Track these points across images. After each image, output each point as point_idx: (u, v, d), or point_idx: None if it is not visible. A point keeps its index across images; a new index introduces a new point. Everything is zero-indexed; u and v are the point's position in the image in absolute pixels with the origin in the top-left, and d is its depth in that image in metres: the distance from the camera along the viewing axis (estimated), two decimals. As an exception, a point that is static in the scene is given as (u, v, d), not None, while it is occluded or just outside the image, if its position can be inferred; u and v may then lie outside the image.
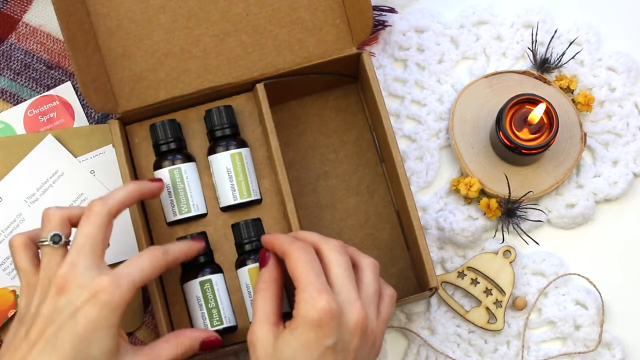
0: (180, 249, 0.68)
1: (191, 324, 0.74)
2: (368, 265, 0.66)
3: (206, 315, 0.72)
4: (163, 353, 0.64)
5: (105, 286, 0.60)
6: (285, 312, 0.69)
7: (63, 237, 0.64)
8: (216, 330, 0.71)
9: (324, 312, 0.60)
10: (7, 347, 0.62)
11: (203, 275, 0.73)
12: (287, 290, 0.71)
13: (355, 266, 0.66)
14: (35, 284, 0.63)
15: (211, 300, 0.72)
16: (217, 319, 0.72)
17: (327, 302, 0.60)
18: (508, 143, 0.77)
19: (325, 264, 0.64)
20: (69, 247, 0.64)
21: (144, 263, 0.63)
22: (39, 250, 0.65)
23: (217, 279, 0.73)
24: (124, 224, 0.76)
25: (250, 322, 0.74)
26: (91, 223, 0.63)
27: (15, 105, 0.83)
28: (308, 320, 0.60)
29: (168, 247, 0.66)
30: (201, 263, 0.74)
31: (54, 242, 0.63)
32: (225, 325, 0.72)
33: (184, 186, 0.74)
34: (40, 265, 0.64)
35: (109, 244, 0.65)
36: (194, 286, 0.73)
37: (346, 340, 0.61)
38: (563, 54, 0.83)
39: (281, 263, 0.67)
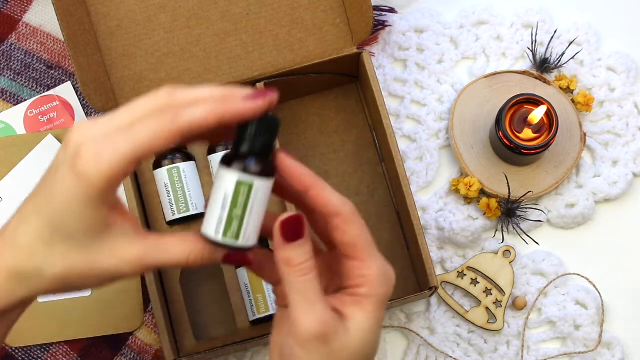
0: (205, 110, 0.48)
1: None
2: None
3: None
4: (172, 250, 0.51)
5: (82, 154, 0.47)
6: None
7: None
8: None
9: (393, 284, 0.52)
10: None
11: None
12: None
13: None
14: None
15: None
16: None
17: (392, 271, 0.53)
18: (508, 143, 0.77)
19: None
20: None
21: (144, 131, 0.47)
22: None
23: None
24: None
25: (250, 322, 0.74)
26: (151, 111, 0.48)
27: (15, 105, 0.83)
28: (381, 298, 0.52)
29: (184, 111, 0.48)
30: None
31: None
32: None
33: (182, 185, 0.74)
34: None
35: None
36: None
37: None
38: (563, 54, 0.83)
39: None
